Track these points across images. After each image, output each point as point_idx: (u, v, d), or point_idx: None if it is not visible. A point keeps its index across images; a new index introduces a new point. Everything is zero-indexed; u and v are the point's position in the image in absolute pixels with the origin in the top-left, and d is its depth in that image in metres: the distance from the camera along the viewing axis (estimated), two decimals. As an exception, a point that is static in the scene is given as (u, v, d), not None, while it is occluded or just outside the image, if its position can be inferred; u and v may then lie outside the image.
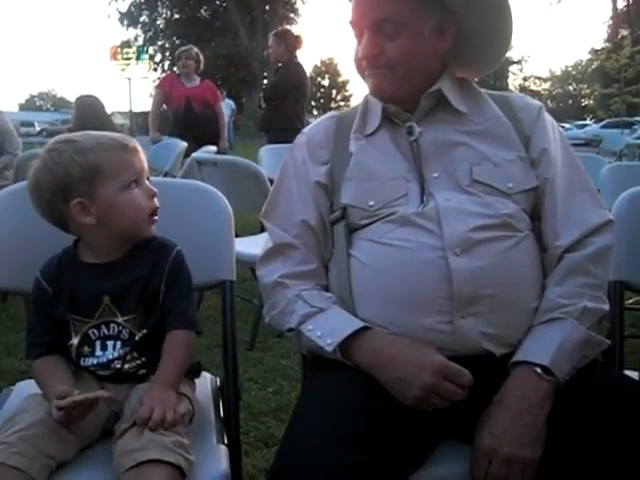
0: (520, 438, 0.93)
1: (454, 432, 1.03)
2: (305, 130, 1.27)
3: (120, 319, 1.10)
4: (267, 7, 20.91)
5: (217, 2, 22.68)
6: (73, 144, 1.08)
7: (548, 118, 1.18)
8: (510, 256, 1.05)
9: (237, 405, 1.22)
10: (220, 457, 1.04)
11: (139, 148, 1.13)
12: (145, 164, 1.13)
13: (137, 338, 1.10)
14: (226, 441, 1.10)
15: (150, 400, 1.01)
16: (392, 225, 1.09)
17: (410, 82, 1.13)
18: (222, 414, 1.21)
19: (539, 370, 0.98)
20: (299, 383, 2.36)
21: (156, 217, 1.13)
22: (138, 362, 1.11)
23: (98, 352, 1.11)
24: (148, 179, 1.14)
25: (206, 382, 1.31)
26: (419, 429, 0.96)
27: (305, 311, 1.09)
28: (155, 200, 1.13)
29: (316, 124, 1.26)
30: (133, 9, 24.65)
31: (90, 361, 1.11)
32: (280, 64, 4.88)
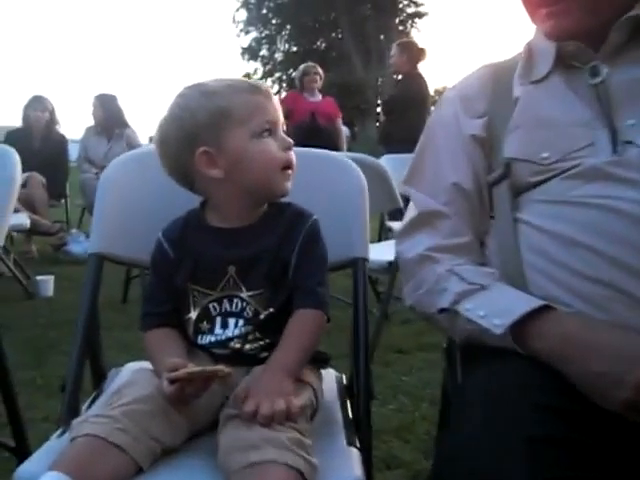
0: None
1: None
2: (454, 84, 1.08)
3: (245, 294, 0.94)
4: (382, 37, 21.12)
5: (333, 34, 23.29)
6: (201, 87, 0.96)
7: None
8: None
9: (369, 405, 1.01)
10: (352, 461, 0.84)
11: (272, 95, 0.97)
12: (280, 113, 0.97)
13: (262, 317, 0.94)
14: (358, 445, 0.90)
15: (256, 390, 0.83)
16: (576, 181, 0.85)
17: (596, 12, 0.90)
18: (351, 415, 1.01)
19: None
20: (423, 402, 2.14)
21: (290, 171, 0.97)
22: (261, 343, 0.94)
23: (218, 330, 0.95)
24: (284, 132, 0.98)
25: (331, 378, 1.13)
26: (629, 444, 0.70)
27: (461, 288, 0.88)
28: (291, 153, 0.96)
29: (468, 76, 1.07)
30: (254, 44, 25.88)
31: (208, 339, 0.96)
32: (400, 76, 4.74)
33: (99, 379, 1.15)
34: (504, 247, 0.91)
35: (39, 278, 3.51)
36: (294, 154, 0.97)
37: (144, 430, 0.79)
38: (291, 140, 0.97)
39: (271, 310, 0.94)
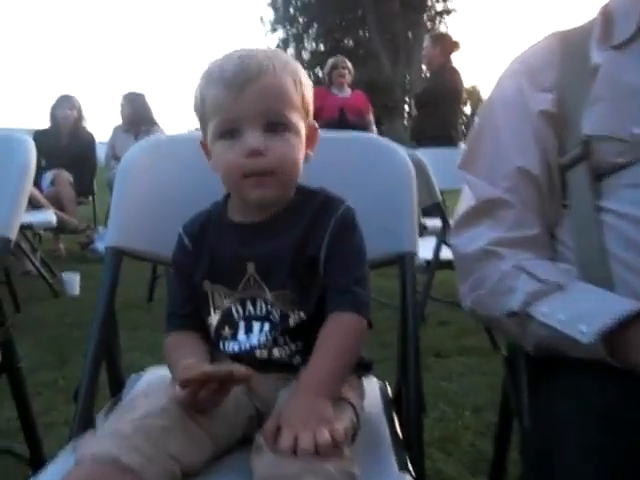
0: None
1: None
2: (516, 57, 0.94)
3: (268, 295, 0.83)
4: (410, 34, 20.86)
5: (360, 32, 23.08)
6: (210, 64, 0.84)
7: None
8: None
9: (421, 421, 0.88)
10: (407, 492, 0.71)
11: (254, 83, 0.78)
12: (258, 105, 0.78)
13: (291, 322, 0.82)
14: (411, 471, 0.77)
15: (290, 418, 0.69)
16: None
17: None
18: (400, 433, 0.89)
19: None
20: (465, 410, 1.99)
21: (260, 178, 0.80)
22: (292, 347, 0.83)
23: (241, 336, 0.84)
24: (276, 127, 0.80)
25: (373, 387, 1.00)
26: None
27: (533, 288, 0.75)
28: (255, 161, 0.78)
29: (531, 46, 0.93)
30: (281, 44, 25.85)
31: (231, 347, 0.84)
32: (433, 70, 4.58)
33: (117, 386, 1.04)
34: (583, 240, 0.78)
35: (65, 276, 3.45)
36: (335, 139, 0.85)
37: (160, 448, 0.67)
38: (253, 144, 0.78)
39: (301, 315, 0.82)
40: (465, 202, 0.89)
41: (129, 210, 1.04)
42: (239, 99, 0.78)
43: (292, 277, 0.82)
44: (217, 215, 0.89)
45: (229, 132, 0.80)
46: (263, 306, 0.83)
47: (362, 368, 0.88)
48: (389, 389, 1.02)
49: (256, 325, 0.83)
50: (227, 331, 0.85)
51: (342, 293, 0.81)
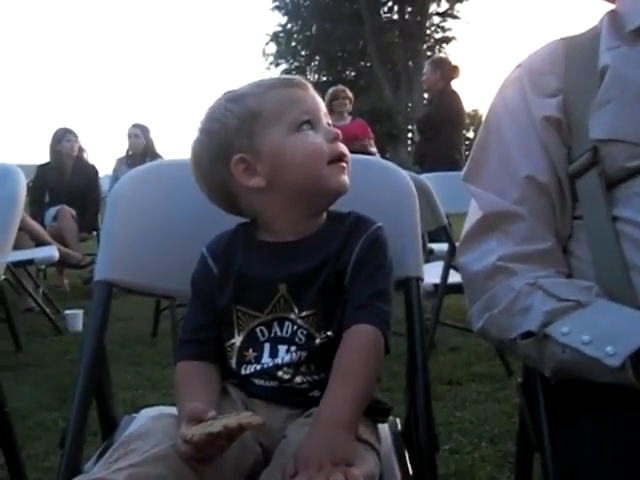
0: None
1: None
2: (520, 62, 0.91)
3: (296, 315, 0.79)
4: (410, 63, 21.08)
5: (361, 62, 23.36)
6: (227, 94, 0.85)
7: None
8: None
9: (434, 459, 0.82)
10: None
11: (309, 86, 0.85)
12: (321, 104, 0.85)
13: (317, 342, 0.78)
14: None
15: (305, 461, 0.65)
16: None
17: None
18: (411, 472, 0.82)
19: None
20: (482, 441, 1.91)
21: (344, 164, 0.83)
22: (315, 378, 0.78)
23: (265, 359, 0.80)
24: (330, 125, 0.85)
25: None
26: None
27: (552, 306, 0.69)
28: (340, 145, 0.83)
29: (535, 51, 0.89)
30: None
31: (253, 368, 0.80)
32: (433, 94, 4.58)
33: (109, 428, 0.98)
34: (601, 253, 0.73)
35: (68, 313, 3.40)
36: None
37: None
38: (337, 131, 0.83)
39: (329, 333, 0.78)
40: (472, 217, 0.84)
41: (121, 240, 1.00)
42: (308, 95, 0.83)
43: (321, 295, 0.79)
44: (244, 235, 0.86)
45: (306, 122, 0.81)
46: (290, 327, 0.80)
47: (379, 413, 0.83)
48: (398, 423, 0.96)
49: (282, 348, 0.80)
50: (251, 353, 0.81)
51: (361, 306, 0.77)
